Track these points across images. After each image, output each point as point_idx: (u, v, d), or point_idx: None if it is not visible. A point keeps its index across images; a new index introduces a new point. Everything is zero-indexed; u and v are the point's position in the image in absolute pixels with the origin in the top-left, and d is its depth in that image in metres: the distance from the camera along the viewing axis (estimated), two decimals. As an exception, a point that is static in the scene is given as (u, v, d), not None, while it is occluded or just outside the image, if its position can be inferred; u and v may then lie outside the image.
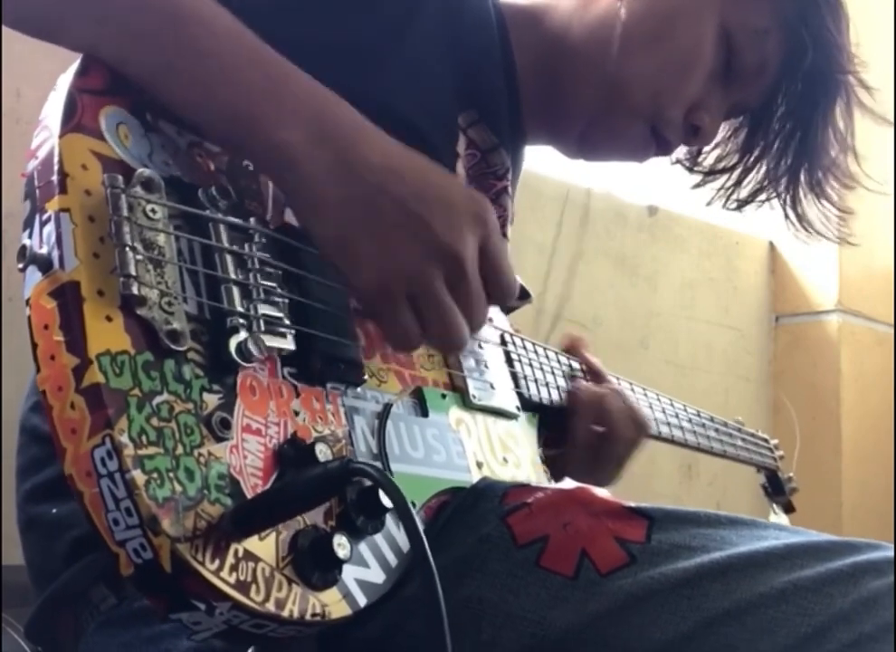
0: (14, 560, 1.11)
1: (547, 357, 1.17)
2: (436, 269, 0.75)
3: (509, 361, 1.09)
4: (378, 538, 0.77)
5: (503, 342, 1.09)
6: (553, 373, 1.16)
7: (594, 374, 1.26)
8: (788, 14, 1.10)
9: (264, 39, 0.76)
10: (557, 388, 1.16)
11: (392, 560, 0.78)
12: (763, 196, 1.22)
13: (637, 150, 1.16)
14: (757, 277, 3.37)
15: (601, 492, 0.87)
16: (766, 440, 1.66)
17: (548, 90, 1.15)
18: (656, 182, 2.77)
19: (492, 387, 1.02)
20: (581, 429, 1.18)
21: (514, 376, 1.08)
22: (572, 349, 1.29)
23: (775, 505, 1.66)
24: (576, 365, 1.24)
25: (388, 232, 0.74)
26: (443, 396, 0.94)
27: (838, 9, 1.12)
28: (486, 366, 1.03)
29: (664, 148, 1.16)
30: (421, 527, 0.66)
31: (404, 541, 0.79)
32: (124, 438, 0.62)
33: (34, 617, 0.93)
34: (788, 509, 1.65)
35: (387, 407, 0.85)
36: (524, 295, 1.17)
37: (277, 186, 0.79)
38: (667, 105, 1.11)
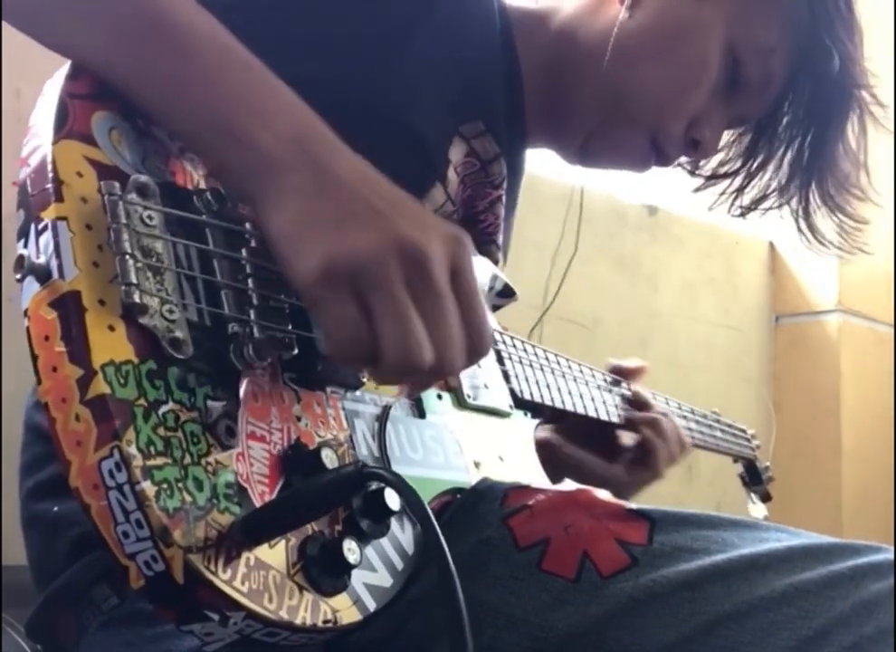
0: (14, 560, 1.10)
1: (536, 355, 1.17)
2: (394, 262, 0.66)
3: (500, 359, 1.09)
4: (384, 541, 0.77)
5: (493, 341, 1.09)
6: (543, 370, 1.16)
7: (639, 403, 1.31)
8: (798, 31, 1.09)
9: (264, 35, 0.75)
10: (548, 386, 1.16)
11: (398, 563, 0.78)
12: (766, 205, 1.21)
13: (637, 162, 1.16)
14: (758, 277, 3.37)
15: (602, 493, 0.87)
16: (743, 430, 1.67)
17: (552, 95, 1.15)
18: (656, 182, 2.77)
19: (486, 386, 1.02)
20: (657, 464, 1.25)
21: (505, 374, 1.09)
22: (624, 375, 1.34)
23: (752, 495, 1.66)
24: (574, 366, 1.24)
25: (348, 220, 0.67)
26: (439, 396, 0.94)
27: (851, 22, 1.12)
28: (479, 364, 1.02)
29: (664, 160, 1.16)
30: (439, 529, 0.65)
31: (408, 544, 0.79)
32: (132, 450, 0.61)
33: (36, 615, 0.93)
34: (766, 498, 1.66)
35: (386, 410, 0.85)
36: (509, 293, 1.17)
37: (245, 194, 0.73)
38: (669, 119, 1.11)
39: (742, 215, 1.25)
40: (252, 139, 0.70)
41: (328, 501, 0.69)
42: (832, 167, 1.15)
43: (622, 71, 1.10)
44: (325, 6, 0.96)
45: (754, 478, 1.66)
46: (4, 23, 0.75)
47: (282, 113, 0.72)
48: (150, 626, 0.84)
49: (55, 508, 0.90)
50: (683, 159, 1.23)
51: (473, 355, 0.72)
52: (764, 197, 1.21)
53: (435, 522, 0.65)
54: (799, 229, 1.20)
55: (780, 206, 1.20)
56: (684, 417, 1.47)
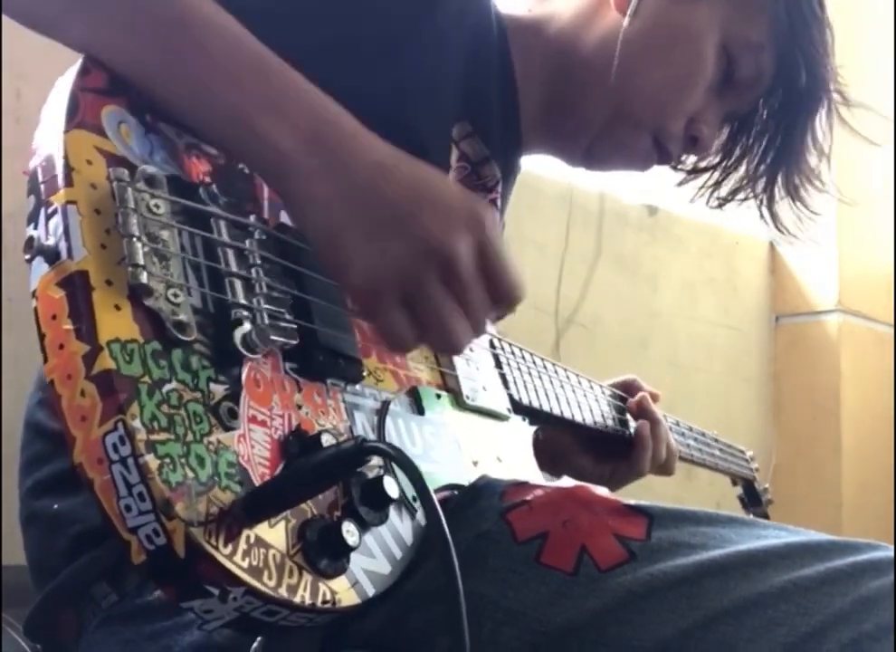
0: (14, 560, 1.10)
1: (534, 362, 1.19)
2: (427, 267, 0.72)
3: (499, 364, 1.11)
4: (383, 530, 0.77)
5: (492, 346, 1.11)
6: (541, 378, 1.18)
7: (643, 411, 1.36)
8: (782, 31, 1.13)
9: (268, 37, 0.76)
10: (546, 393, 1.17)
11: (397, 551, 0.78)
12: (742, 196, 1.25)
13: (640, 161, 1.19)
14: (757, 277, 3.37)
15: (600, 490, 0.87)
16: (742, 451, 1.68)
17: (552, 101, 1.17)
18: (656, 182, 2.78)
19: (484, 388, 1.04)
20: (644, 461, 1.32)
21: (503, 378, 1.10)
22: (628, 390, 1.39)
23: (752, 516, 1.67)
24: (572, 376, 1.26)
25: (376, 229, 0.72)
26: (438, 395, 0.95)
27: (824, 27, 1.15)
28: (477, 367, 1.04)
29: (665, 159, 1.19)
30: (437, 501, 0.67)
31: (408, 534, 0.80)
32: (136, 423, 0.62)
33: (34, 614, 0.93)
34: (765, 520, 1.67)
35: (386, 404, 0.86)
36: None
37: (271, 187, 0.79)
38: (670, 118, 1.14)
39: (720, 206, 1.29)
40: (271, 138, 0.72)
41: (329, 474, 0.70)
42: (799, 159, 1.19)
43: (623, 74, 1.12)
44: (326, 9, 0.97)
45: (753, 500, 1.67)
46: (4, 23, 0.76)
47: (298, 109, 0.74)
48: (150, 622, 0.84)
49: (55, 506, 0.90)
50: (683, 156, 1.25)
51: (504, 311, 0.80)
52: (739, 189, 1.25)
53: (433, 493, 0.67)
54: (761, 215, 1.24)
55: (754, 196, 1.24)
56: (682, 434, 1.49)
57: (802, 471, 3.15)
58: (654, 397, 1.40)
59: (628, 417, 1.36)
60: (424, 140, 1.00)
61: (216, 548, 0.63)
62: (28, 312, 0.67)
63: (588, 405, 1.27)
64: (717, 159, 1.25)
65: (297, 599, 0.67)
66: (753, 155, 1.22)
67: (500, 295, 0.77)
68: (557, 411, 1.19)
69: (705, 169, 1.27)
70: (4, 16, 0.76)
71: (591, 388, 1.31)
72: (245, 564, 0.65)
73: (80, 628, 0.90)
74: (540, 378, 1.18)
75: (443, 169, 1.06)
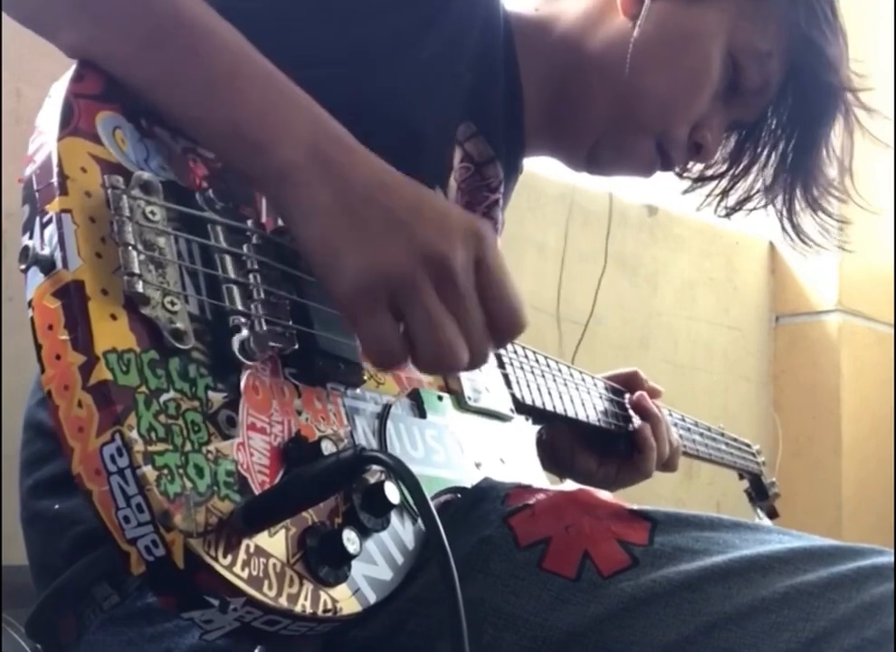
0: (15, 560, 1.10)
1: (537, 361, 1.19)
2: (423, 272, 0.70)
3: (501, 364, 1.10)
4: (384, 536, 0.77)
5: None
6: (544, 377, 1.17)
7: (640, 407, 1.34)
8: (791, 36, 1.12)
9: (270, 39, 0.76)
10: (549, 392, 1.17)
11: (398, 557, 0.78)
12: (751, 205, 1.25)
13: (644, 167, 1.19)
14: (757, 277, 3.38)
15: (603, 494, 0.87)
16: (748, 445, 1.67)
17: (556, 104, 1.16)
18: (656, 182, 2.78)
19: (487, 389, 1.03)
20: (649, 463, 1.30)
21: (506, 378, 1.09)
22: (628, 384, 1.37)
23: (759, 510, 1.66)
24: (575, 373, 1.25)
25: (373, 237, 0.70)
26: (440, 397, 0.95)
27: (836, 27, 1.15)
28: (480, 368, 1.03)
29: (668, 165, 1.18)
30: (435, 510, 0.66)
31: (409, 539, 0.79)
32: (134, 435, 0.62)
33: (36, 614, 0.93)
34: (772, 514, 1.66)
35: (387, 408, 0.86)
36: None
37: (267, 196, 0.78)
38: (675, 124, 1.14)
39: (728, 215, 1.28)
40: (269, 148, 0.72)
41: (328, 484, 0.69)
42: (815, 169, 1.18)
43: (629, 79, 1.12)
44: (339, 9, 0.97)
45: (760, 493, 1.66)
46: (4, 24, 0.76)
47: (300, 121, 0.73)
48: (151, 624, 0.84)
49: (56, 506, 0.91)
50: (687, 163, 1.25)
51: (503, 340, 0.76)
52: (748, 198, 1.24)
53: (432, 504, 0.66)
54: (783, 228, 1.23)
55: (765, 206, 1.23)
56: (688, 429, 1.48)
57: (802, 471, 3.15)
58: (656, 393, 1.38)
59: (630, 412, 1.34)
60: (425, 141, 1.00)
61: (215, 559, 0.63)
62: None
63: (592, 402, 1.27)
64: (723, 168, 1.25)
65: (298, 609, 0.67)
66: (762, 165, 1.21)
67: (499, 318, 0.74)
68: (560, 410, 1.18)
69: (712, 177, 1.26)
70: (4, 16, 0.76)
71: (594, 385, 1.30)
72: (245, 574, 0.64)
73: (80, 628, 0.90)
74: (543, 376, 1.17)
75: (444, 170, 1.06)
